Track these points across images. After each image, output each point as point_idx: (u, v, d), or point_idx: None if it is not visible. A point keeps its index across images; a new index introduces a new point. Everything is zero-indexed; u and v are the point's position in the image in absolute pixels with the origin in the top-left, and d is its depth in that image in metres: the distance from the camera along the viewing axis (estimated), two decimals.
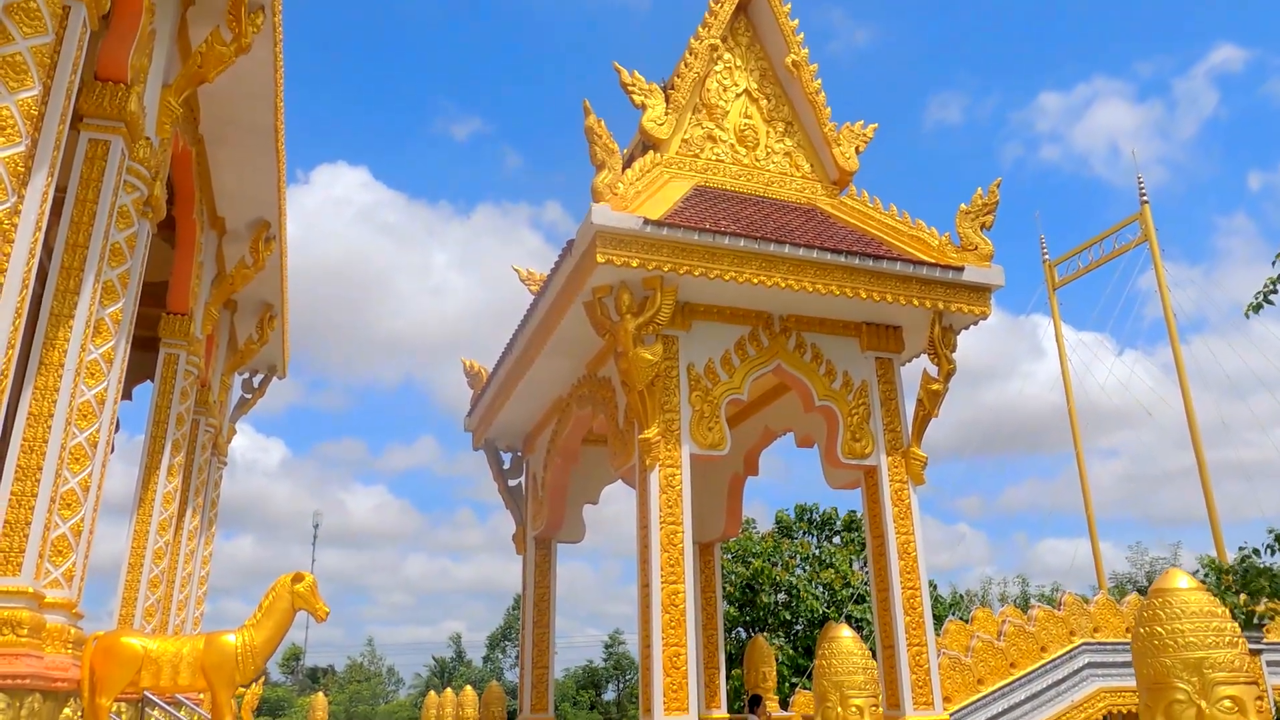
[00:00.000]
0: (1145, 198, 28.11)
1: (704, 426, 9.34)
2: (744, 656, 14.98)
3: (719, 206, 10.12)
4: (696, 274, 9.05)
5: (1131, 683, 12.59)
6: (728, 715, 13.58)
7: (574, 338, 10.28)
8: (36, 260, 6.02)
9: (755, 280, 9.27)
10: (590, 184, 9.04)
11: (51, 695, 6.26)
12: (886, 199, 11.04)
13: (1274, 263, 10.65)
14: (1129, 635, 12.65)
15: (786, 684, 23.72)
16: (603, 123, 9.31)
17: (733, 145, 11.30)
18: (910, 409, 10.33)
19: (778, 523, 31.62)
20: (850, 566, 28.50)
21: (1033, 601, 18.74)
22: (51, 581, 6.58)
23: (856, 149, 11.65)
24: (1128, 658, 13.01)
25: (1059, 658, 13.88)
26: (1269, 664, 15.34)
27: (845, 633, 6.03)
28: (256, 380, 17.53)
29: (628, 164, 10.11)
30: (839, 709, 5.76)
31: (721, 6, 11.52)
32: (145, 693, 7.83)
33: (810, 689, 12.98)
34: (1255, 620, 13.89)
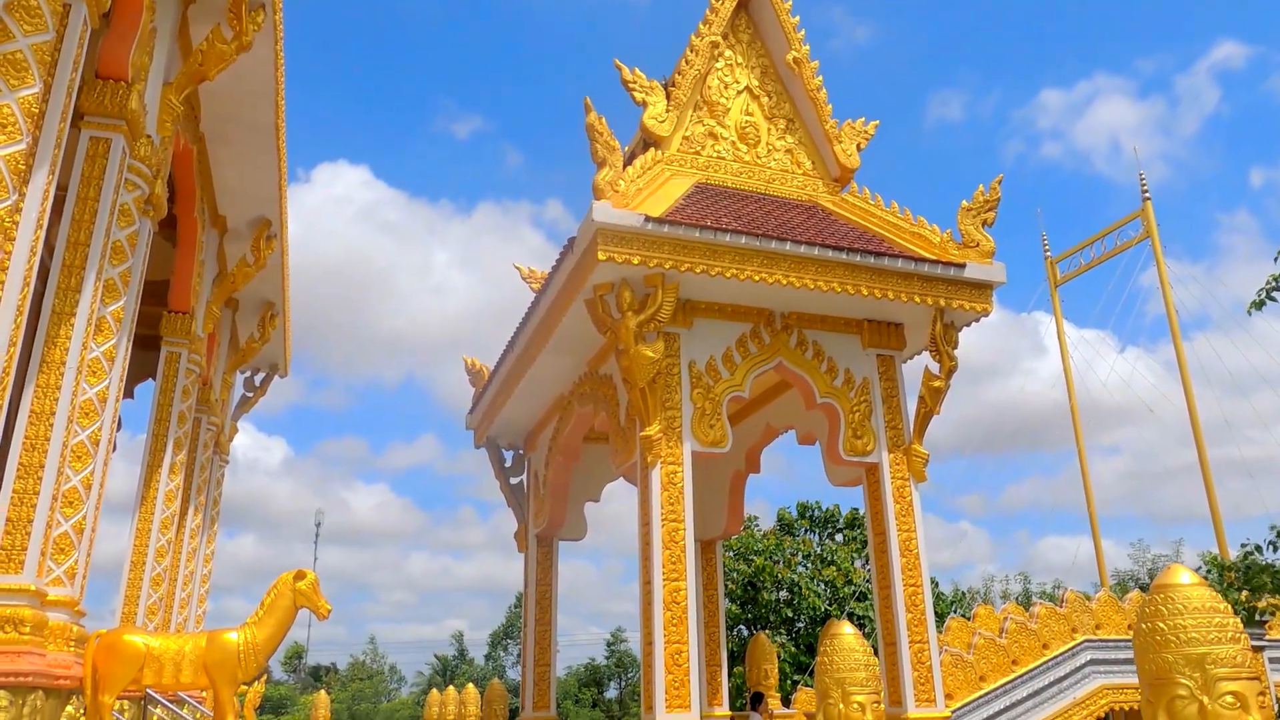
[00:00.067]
0: (1147, 194, 28.08)
1: (705, 424, 9.34)
2: (746, 654, 14.99)
3: (720, 204, 10.12)
4: (698, 271, 9.05)
5: (1134, 679, 12.57)
6: (730, 713, 13.57)
7: (575, 335, 10.28)
8: (38, 258, 6.03)
9: (757, 277, 9.26)
10: (591, 181, 9.04)
11: (54, 693, 6.27)
12: (888, 196, 11.05)
13: (1276, 260, 10.64)
14: (1131, 632, 12.64)
15: (788, 681, 23.74)
16: (604, 120, 9.30)
17: (734, 142, 11.29)
18: (912, 406, 10.33)
19: (780, 520, 31.65)
20: (852, 564, 28.52)
21: (1035, 599, 18.73)
22: (54, 579, 6.59)
23: (858, 146, 11.64)
24: (1130, 655, 13.00)
25: (1061, 655, 13.88)
26: (1271, 661, 15.33)
27: (847, 630, 6.01)
28: (258, 379, 17.55)
29: (629, 161, 10.10)
30: (841, 706, 5.75)
31: (722, 3, 11.50)
32: (148, 690, 7.85)
33: (812, 686, 12.98)
34: (1257, 617, 13.88)
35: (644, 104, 10.76)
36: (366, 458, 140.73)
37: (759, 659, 14.47)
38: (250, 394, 17.44)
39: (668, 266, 8.95)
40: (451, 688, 16.49)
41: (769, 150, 11.47)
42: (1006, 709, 13.12)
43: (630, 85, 10.78)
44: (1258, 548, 11.18)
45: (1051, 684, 13.62)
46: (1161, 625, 3.71)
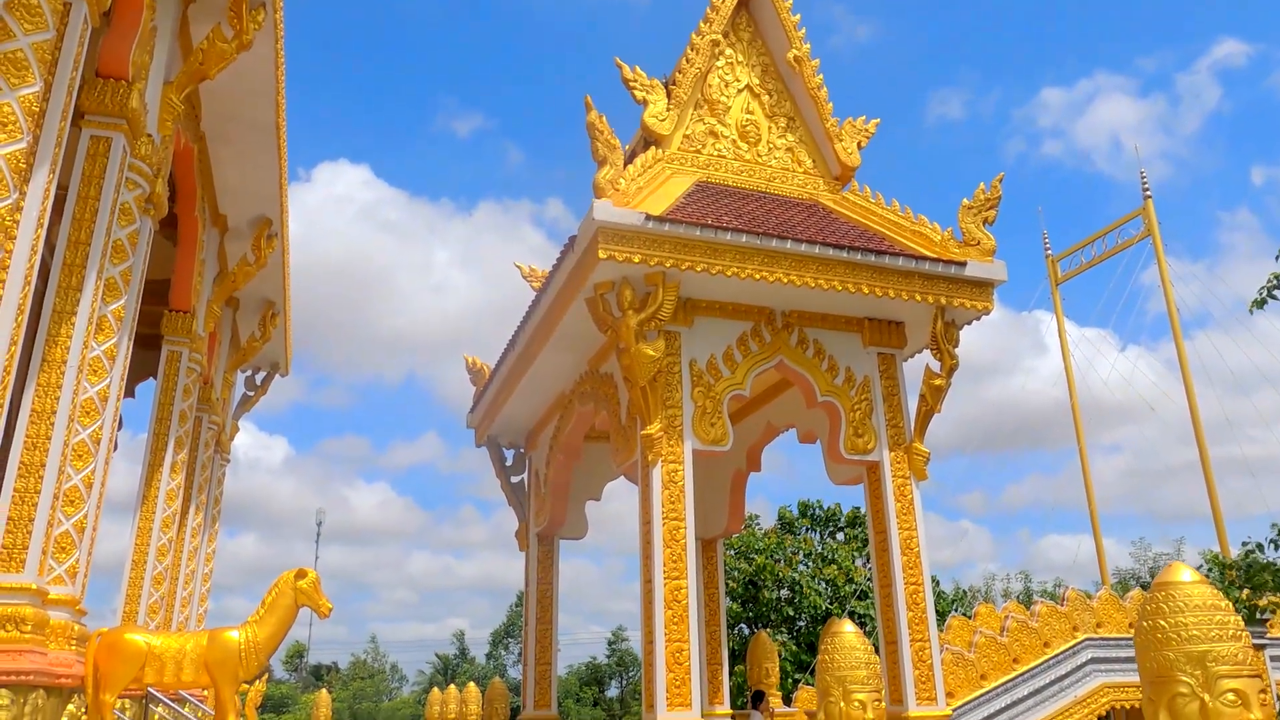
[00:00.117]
0: (1148, 193, 28.08)
1: (706, 422, 9.34)
2: (747, 653, 15.00)
3: (721, 202, 10.11)
4: (698, 269, 9.05)
5: (1135, 678, 12.59)
6: (731, 711, 13.59)
7: (576, 334, 10.28)
8: (38, 257, 6.03)
9: (757, 276, 9.26)
10: (592, 180, 9.04)
11: (55, 692, 6.28)
12: (889, 194, 11.05)
13: (1277, 258, 10.64)
14: (1132, 630, 12.59)
15: (789, 680, 23.75)
16: (604, 119, 9.30)
17: (734, 141, 11.29)
18: (913, 405, 10.33)
19: (781, 519, 31.65)
20: (853, 562, 28.52)
21: (1036, 597, 18.73)
22: (55, 578, 6.59)
23: (858, 144, 11.63)
24: (1131, 653, 13.00)
25: (1062, 653, 13.87)
26: (1272, 658, 15.31)
27: (848, 628, 6.02)
28: (259, 378, 17.56)
29: (629, 160, 10.10)
30: (842, 704, 5.75)
31: (723, 2, 11.49)
32: (149, 689, 7.86)
33: (813, 685, 12.99)
34: (1259, 615, 13.90)
35: (644, 102, 10.76)
36: (368, 456, 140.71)
37: (760, 657, 14.47)
38: (251, 393, 17.46)
39: (668, 265, 8.95)
40: (453, 686, 16.50)
41: (770, 149, 11.47)
42: (1007, 707, 13.11)
43: (631, 83, 10.78)
44: (1259, 546, 11.20)
45: (1053, 682, 13.61)
46: (1163, 623, 3.71)
